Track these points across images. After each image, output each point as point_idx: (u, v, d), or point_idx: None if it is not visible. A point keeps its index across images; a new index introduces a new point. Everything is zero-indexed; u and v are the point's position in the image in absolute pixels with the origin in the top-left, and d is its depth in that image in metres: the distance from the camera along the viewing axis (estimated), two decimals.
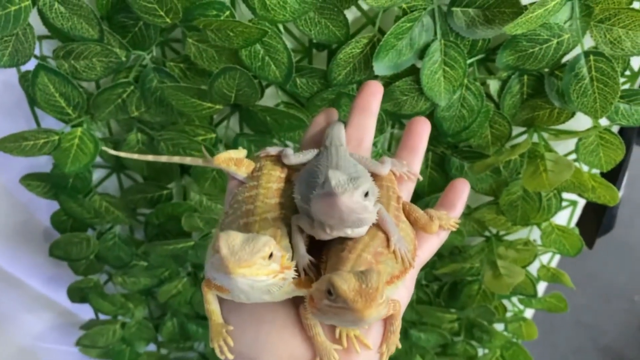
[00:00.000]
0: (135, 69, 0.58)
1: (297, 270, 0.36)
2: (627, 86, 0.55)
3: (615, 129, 0.58)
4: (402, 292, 0.39)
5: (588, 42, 0.50)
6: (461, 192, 0.44)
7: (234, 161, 0.43)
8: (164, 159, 0.49)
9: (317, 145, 0.44)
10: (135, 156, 0.49)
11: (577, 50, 0.50)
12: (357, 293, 0.31)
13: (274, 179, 0.42)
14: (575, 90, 0.51)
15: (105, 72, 0.56)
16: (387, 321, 0.37)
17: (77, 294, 0.83)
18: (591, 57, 0.50)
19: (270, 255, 0.33)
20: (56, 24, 0.53)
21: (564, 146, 0.61)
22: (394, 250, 0.37)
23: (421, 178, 0.45)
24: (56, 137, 0.61)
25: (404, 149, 0.45)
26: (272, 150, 0.44)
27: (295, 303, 0.37)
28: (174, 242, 0.71)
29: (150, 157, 0.48)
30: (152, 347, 0.96)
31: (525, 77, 0.55)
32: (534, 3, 0.47)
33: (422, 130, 0.46)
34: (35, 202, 0.73)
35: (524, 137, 0.60)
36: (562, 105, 0.54)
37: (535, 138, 0.59)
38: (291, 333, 0.36)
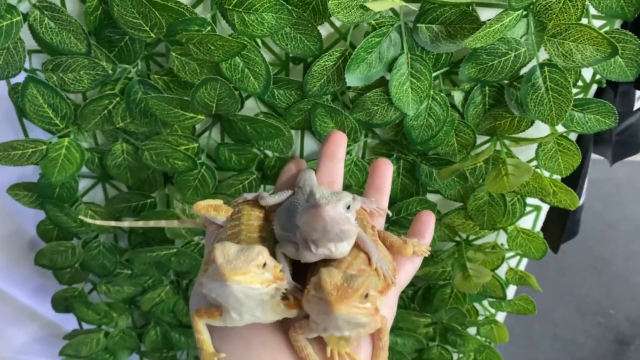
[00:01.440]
0: (121, 81, 0.61)
1: (284, 294, 0.37)
2: (581, 96, 0.60)
3: (573, 138, 0.62)
4: (386, 312, 0.40)
5: (543, 55, 0.54)
6: (428, 223, 0.47)
7: (212, 207, 0.45)
8: (140, 224, 0.52)
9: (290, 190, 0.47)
10: (112, 224, 0.52)
11: (533, 63, 0.54)
12: (335, 288, 0.33)
13: (254, 218, 0.44)
14: (532, 100, 0.55)
15: (92, 84, 0.59)
16: (375, 337, 0.38)
17: (61, 304, 0.85)
18: (546, 69, 0.53)
19: (264, 265, 0.34)
20: (46, 38, 0.55)
21: (527, 154, 0.65)
22: (376, 268, 0.39)
23: (390, 213, 0.48)
24: (44, 147, 0.64)
25: (371, 188, 0.49)
26: (249, 195, 0.47)
27: (284, 328, 0.38)
28: (157, 249, 0.73)
29: (126, 224, 0.52)
30: (135, 357, 0.98)
31: (487, 88, 0.59)
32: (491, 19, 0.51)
33: (385, 171, 0.49)
34: (21, 211, 0.75)
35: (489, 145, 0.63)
36: (521, 114, 0.58)
37: (498, 146, 0.62)
38: (282, 356, 0.37)
